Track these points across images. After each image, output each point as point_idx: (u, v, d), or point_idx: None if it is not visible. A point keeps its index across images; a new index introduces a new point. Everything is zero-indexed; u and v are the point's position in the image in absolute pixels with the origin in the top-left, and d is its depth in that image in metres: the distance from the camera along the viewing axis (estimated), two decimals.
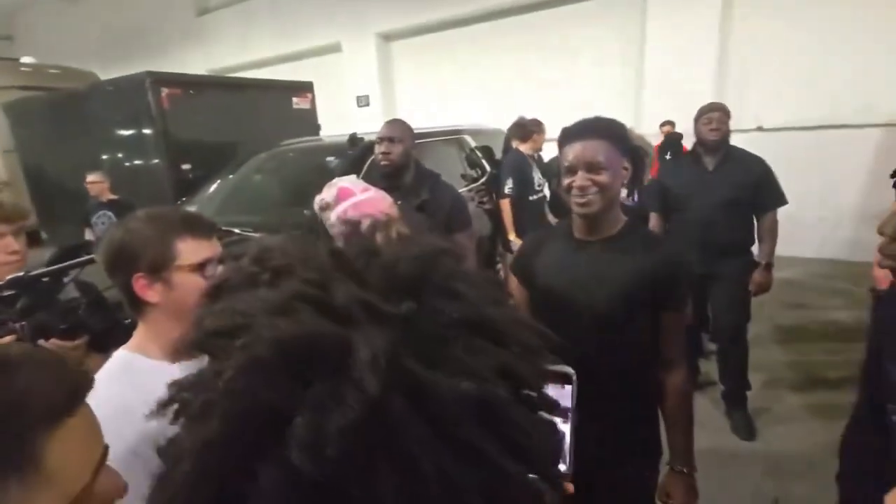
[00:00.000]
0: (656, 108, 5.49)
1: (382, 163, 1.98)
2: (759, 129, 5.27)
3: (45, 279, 1.40)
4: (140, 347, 0.85)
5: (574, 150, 1.12)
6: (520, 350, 0.30)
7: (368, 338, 0.25)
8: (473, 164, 4.15)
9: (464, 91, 7.18)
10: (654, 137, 5.11)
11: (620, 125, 1.17)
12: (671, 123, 5.11)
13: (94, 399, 0.46)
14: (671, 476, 1.19)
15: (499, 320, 0.30)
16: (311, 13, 7.81)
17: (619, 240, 1.16)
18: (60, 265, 2.26)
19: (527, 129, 3.62)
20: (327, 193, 1.20)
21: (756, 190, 2.31)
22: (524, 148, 3.55)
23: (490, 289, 0.33)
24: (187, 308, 0.84)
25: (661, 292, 1.12)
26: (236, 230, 2.62)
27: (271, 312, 0.27)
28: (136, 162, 4.42)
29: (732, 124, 2.41)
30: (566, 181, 1.12)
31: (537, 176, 3.55)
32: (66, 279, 1.95)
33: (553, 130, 2.05)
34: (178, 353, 0.30)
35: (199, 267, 0.85)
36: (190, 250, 0.85)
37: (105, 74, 6.20)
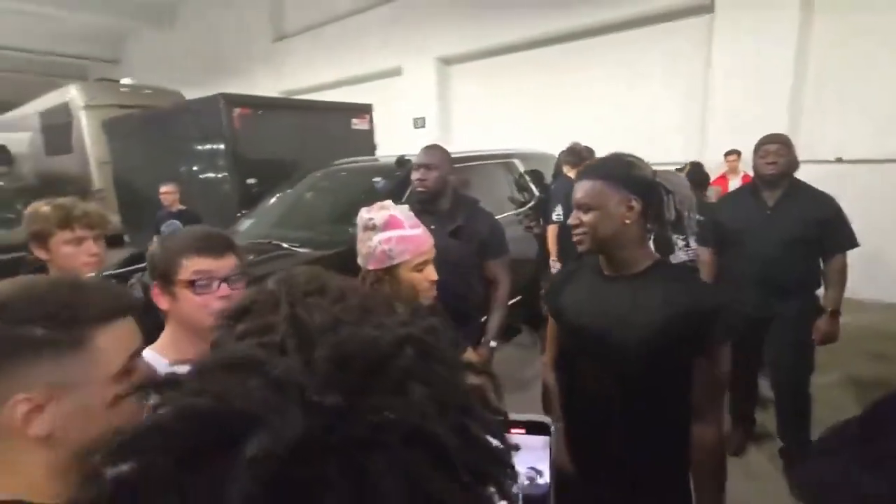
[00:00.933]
0: (722, 137, 5.22)
1: (418, 189, 2.03)
2: (839, 160, 4.87)
3: (113, 279, 1.55)
4: (161, 348, 0.95)
5: (575, 189, 1.17)
6: (466, 479, 0.26)
7: (275, 427, 0.23)
8: (522, 188, 4.14)
9: (518, 115, 7.22)
10: (719, 167, 4.87)
11: (623, 164, 1.15)
12: (737, 153, 4.83)
13: None
14: None
15: (445, 440, 0.25)
16: (374, 39, 8.21)
17: (646, 276, 1.13)
18: (127, 268, 2.49)
19: (579, 156, 3.56)
20: (377, 216, 1.23)
21: (823, 229, 2.12)
22: (575, 175, 3.50)
23: (457, 394, 0.29)
24: (189, 319, 0.93)
25: (691, 333, 1.06)
26: (285, 245, 2.77)
27: (216, 368, 0.28)
28: (209, 175, 4.80)
29: (807, 155, 2.25)
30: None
31: None
32: (131, 280, 2.15)
33: None
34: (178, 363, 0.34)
35: (191, 283, 0.92)
36: (190, 267, 0.93)
37: (190, 94, 6.81)
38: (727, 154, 4.95)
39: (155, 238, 1.04)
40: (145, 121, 5.73)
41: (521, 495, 0.46)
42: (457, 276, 1.81)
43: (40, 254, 1.44)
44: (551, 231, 3.38)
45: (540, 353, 3.56)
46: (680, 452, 1.12)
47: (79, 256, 1.42)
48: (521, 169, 4.19)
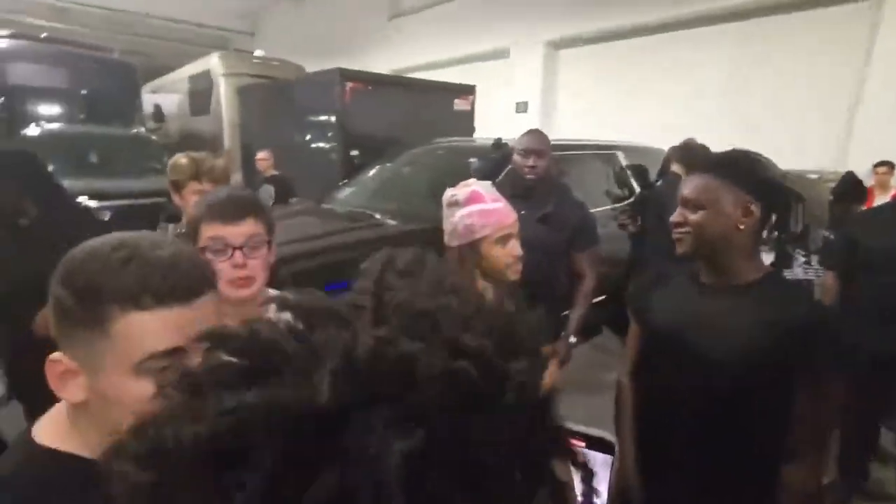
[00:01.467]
0: (871, 145, 4.49)
1: (528, 176, 1.96)
2: None
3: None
4: None
5: (684, 184, 1.06)
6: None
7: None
8: (622, 182, 3.93)
9: (625, 105, 6.78)
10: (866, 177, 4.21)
11: (747, 160, 1.04)
12: (890, 165, 4.14)
13: None
14: None
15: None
16: (485, 19, 8.13)
17: (751, 289, 1.01)
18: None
19: (692, 154, 3.26)
20: (460, 192, 1.26)
21: None
22: (685, 174, 3.22)
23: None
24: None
25: (795, 358, 0.94)
26: (377, 215, 2.92)
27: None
28: (319, 144, 5.15)
29: None
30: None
31: None
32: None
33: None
34: None
35: (203, 249, 0.93)
36: (206, 232, 0.94)
37: (311, 68, 7.32)
38: (877, 165, 4.27)
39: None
40: (272, 90, 6.29)
41: None
42: (543, 264, 1.78)
43: (177, 200, 1.66)
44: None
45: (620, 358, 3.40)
46: (763, 491, 1.01)
47: None
48: (624, 163, 3.97)
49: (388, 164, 3.88)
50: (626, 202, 3.79)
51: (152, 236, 0.59)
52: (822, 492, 1.01)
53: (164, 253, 0.54)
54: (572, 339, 2.00)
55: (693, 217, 1.02)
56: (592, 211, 3.44)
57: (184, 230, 1.49)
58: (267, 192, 4.45)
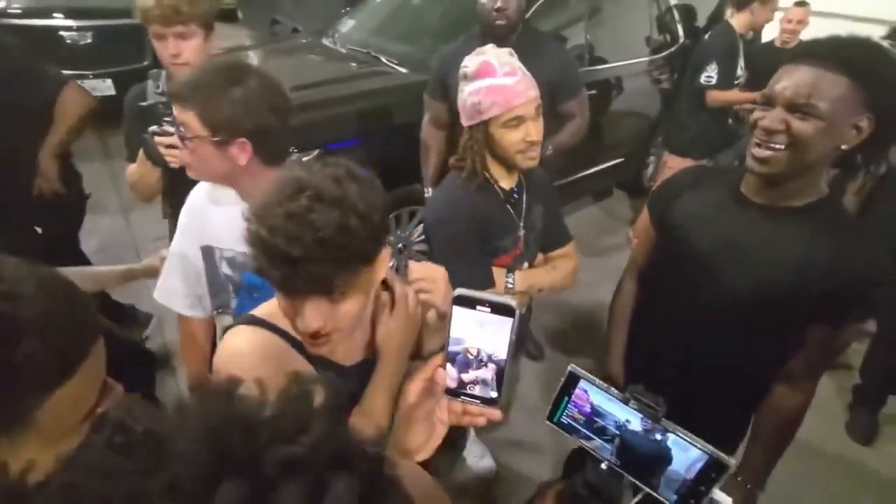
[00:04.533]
0: None
1: (496, 21, 1.67)
2: None
3: None
4: None
5: (781, 75, 0.81)
6: None
7: None
8: (665, 27, 3.40)
9: None
10: None
11: (879, 55, 0.78)
12: None
13: None
14: (731, 485, 0.96)
15: None
16: None
17: (801, 214, 0.86)
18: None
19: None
20: (471, 62, 1.07)
21: None
22: (737, 21, 2.74)
23: None
24: None
25: (827, 296, 0.83)
26: (382, 58, 2.61)
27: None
28: None
29: None
30: (755, 115, 0.84)
31: (740, 64, 2.77)
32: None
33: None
34: None
35: None
36: None
37: None
38: None
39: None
40: None
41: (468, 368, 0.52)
42: None
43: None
44: (715, 98, 2.69)
45: (628, 224, 3.39)
46: (749, 402, 1.01)
47: (164, 58, 1.28)
48: (672, 2, 3.39)
49: None
50: (665, 53, 3.34)
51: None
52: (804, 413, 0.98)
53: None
54: (548, 151, 1.81)
55: (799, 126, 0.78)
56: (627, 63, 3.08)
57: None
58: None
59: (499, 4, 1.65)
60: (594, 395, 0.71)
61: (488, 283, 1.13)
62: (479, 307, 0.50)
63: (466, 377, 0.52)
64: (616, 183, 3.74)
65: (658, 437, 0.66)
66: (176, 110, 0.89)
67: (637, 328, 1.13)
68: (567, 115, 1.90)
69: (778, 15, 2.87)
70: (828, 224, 0.85)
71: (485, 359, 0.51)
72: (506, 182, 1.16)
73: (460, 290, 0.51)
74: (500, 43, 1.55)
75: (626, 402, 0.68)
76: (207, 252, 1.02)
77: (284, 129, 0.94)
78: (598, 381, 0.71)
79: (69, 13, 3.87)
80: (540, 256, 1.30)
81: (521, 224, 1.20)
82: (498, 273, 1.17)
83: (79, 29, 3.85)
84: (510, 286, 1.17)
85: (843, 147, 0.79)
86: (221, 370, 0.72)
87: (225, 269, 1.03)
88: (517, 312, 0.49)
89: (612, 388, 0.70)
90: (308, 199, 0.57)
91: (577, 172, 3.03)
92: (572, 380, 0.72)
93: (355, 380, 0.77)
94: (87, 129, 1.86)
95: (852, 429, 2.13)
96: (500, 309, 0.49)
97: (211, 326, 1.11)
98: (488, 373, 0.51)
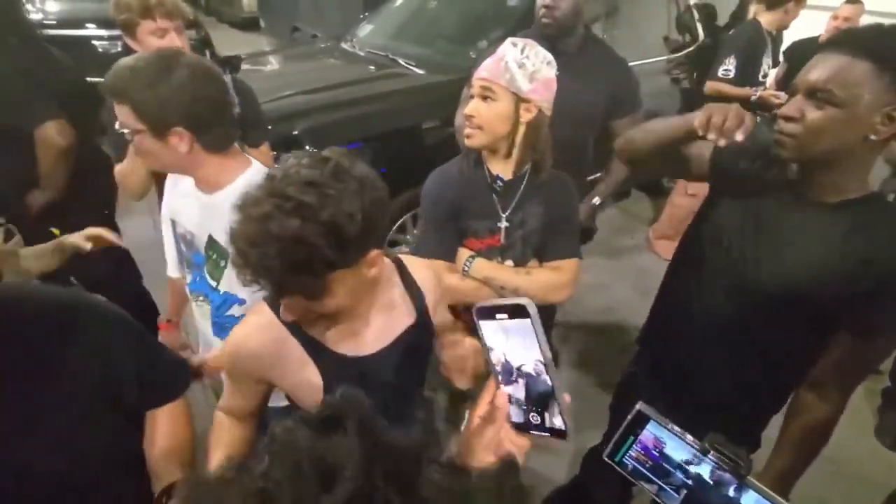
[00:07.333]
0: None
1: (543, 20, 1.62)
2: None
3: None
4: None
5: (810, 64, 0.79)
6: None
7: None
8: (685, 27, 3.36)
9: None
10: None
11: None
12: None
13: None
14: None
15: None
16: None
17: (840, 211, 0.82)
18: None
19: None
20: (496, 53, 1.06)
21: None
22: (766, 19, 2.67)
23: None
24: None
25: (862, 296, 0.80)
26: (402, 61, 2.65)
27: None
28: None
29: None
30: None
31: (766, 62, 2.71)
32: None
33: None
34: None
35: None
36: None
37: None
38: None
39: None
40: None
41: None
42: (576, 129, 1.60)
43: (133, 45, 1.39)
44: (712, 88, 2.67)
45: (648, 225, 3.35)
46: (766, 404, 1.00)
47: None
48: (692, 1, 3.35)
49: None
50: (684, 52, 3.30)
51: None
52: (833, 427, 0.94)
53: None
54: (596, 201, 1.86)
55: (814, 116, 0.76)
56: (645, 62, 3.05)
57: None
58: None
59: (547, 2, 1.61)
60: (664, 437, 0.64)
61: (449, 258, 1.15)
62: (497, 315, 0.49)
63: (512, 389, 0.51)
64: (635, 183, 3.69)
65: (731, 492, 0.59)
66: (115, 106, 0.90)
67: (655, 321, 1.12)
68: (617, 131, 1.75)
69: (819, 14, 2.85)
70: (867, 222, 0.81)
71: (522, 366, 0.49)
72: (498, 167, 1.12)
73: (477, 304, 0.51)
74: (553, 44, 1.53)
75: (704, 452, 0.62)
76: (172, 225, 1.12)
77: (222, 116, 0.95)
78: (671, 424, 0.64)
79: (101, 23, 4.04)
80: (535, 263, 1.24)
81: (505, 216, 1.15)
82: (462, 254, 1.17)
83: (110, 38, 4.02)
84: (465, 270, 1.16)
85: (873, 137, 0.75)
86: (228, 348, 0.79)
87: (182, 244, 1.11)
88: (531, 311, 0.47)
89: (688, 435, 0.63)
90: (272, 205, 0.57)
91: (594, 172, 3.00)
92: (640, 419, 0.66)
93: (379, 367, 0.79)
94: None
95: (882, 433, 2.06)
96: (515, 312, 0.48)
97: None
98: (536, 381, 0.49)
